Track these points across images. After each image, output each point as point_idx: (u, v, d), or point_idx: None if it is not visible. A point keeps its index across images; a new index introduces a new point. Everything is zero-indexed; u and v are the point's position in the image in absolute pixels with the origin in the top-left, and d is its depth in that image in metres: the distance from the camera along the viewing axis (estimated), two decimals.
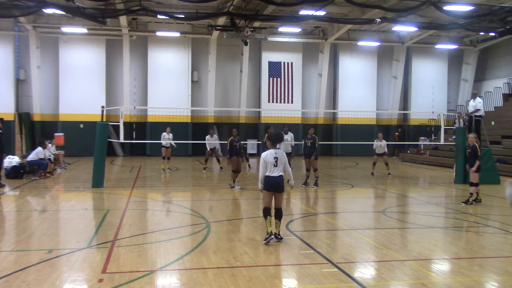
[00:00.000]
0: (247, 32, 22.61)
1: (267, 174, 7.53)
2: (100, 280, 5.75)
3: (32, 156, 16.56)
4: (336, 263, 6.56)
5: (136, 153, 27.96)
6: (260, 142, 27.08)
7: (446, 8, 20.41)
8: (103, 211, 10.74)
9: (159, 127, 26.02)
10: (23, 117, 26.39)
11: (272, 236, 7.60)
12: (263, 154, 7.60)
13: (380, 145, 18.34)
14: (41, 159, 16.53)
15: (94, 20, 22.78)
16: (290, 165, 15.17)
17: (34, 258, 6.62)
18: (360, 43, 28.96)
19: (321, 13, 22.94)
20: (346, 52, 30.26)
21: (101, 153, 14.56)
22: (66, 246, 7.44)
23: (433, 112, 24.79)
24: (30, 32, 25.83)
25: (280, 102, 29.09)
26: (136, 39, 27.49)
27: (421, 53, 31.13)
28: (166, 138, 19.24)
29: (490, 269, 6.56)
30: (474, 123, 16.75)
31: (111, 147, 26.76)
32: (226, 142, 15.13)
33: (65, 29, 25.45)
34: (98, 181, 14.29)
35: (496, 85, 29.14)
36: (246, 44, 24.74)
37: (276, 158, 7.52)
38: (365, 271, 6.36)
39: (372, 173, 18.47)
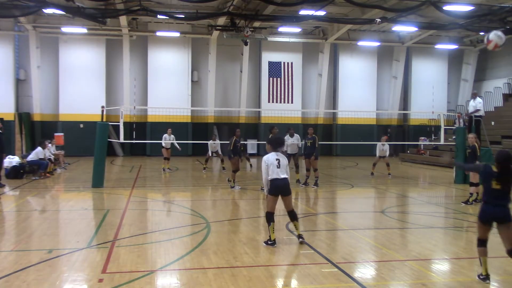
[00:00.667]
0: (247, 32, 22.61)
1: (273, 177, 7.33)
2: (100, 280, 5.76)
3: (32, 156, 16.56)
4: (336, 263, 6.56)
5: (136, 153, 27.95)
6: (259, 142, 27.13)
7: (446, 8, 20.41)
8: (103, 211, 10.75)
9: (159, 127, 26.00)
10: (23, 117, 26.38)
11: (275, 244, 7.37)
12: (265, 157, 7.48)
13: (383, 148, 18.32)
14: (41, 159, 16.53)
15: (94, 20, 22.77)
16: (298, 166, 15.28)
17: (34, 258, 6.62)
18: (360, 43, 28.95)
19: (321, 13, 22.93)
20: (346, 52, 30.25)
21: (101, 153, 14.56)
22: (66, 246, 7.44)
23: (433, 112, 24.78)
24: (30, 32, 25.82)
25: (280, 102, 29.08)
26: (136, 39, 27.48)
27: (421, 53, 31.12)
28: (168, 140, 19.12)
29: (490, 269, 6.55)
30: (474, 123, 16.75)
31: (111, 147, 26.75)
32: (227, 142, 15.11)
33: (65, 29, 25.44)
34: (98, 181, 14.29)
35: (496, 85, 29.13)
36: (246, 44, 24.74)
37: (278, 159, 7.42)
38: (365, 271, 6.37)
39: (372, 173, 18.47)
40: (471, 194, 11.67)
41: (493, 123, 23.81)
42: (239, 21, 23.15)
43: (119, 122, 15.91)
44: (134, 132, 27.36)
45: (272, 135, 8.32)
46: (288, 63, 29.40)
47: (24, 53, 26.81)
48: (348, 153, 29.02)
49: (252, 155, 28.36)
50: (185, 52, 28.26)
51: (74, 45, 27.01)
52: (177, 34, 26.74)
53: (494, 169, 5.78)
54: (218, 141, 19.52)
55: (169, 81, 27.90)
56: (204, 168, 19.19)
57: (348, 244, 7.87)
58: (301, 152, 15.68)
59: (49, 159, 17.21)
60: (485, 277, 5.88)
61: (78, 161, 23.31)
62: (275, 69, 29.29)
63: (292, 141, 15.18)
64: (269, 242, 7.43)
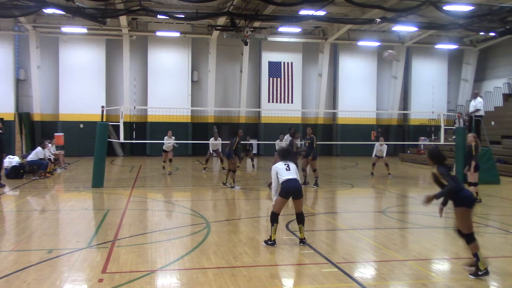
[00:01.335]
0: (247, 32, 22.60)
1: (283, 179, 7.31)
2: (100, 280, 5.76)
3: (32, 156, 16.56)
4: (336, 263, 6.56)
5: (136, 153, 27.97)
6: (259, 142, 27.13)
7: (446, 8, 20.42)
8: (103, 211, 10.75)
9: (159, 127, 26.06)
10: (23, 117, 26.38)
11: (275, 245, 7.38)
12: (273, 166, 7.55)
13: (380, 149, 18.32)
14: (41, 159, 16.53)
15: (94, 20, 22.78)
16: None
17: (34, 258, 6.62)
18: (360, 43, 28.95)
19: (321, 13, 22.95)
20: (346, 52, 30.25)
21: (101, 153, 14.56)
22: (66, 246, 7.44)
23: (433, 112, 24.79)
24: (30, 32, 25.83)
25: (280, 102, 29.09)
26: (136, 39, 27.49)
27: (421, 53, 31.12)
28: (168, 142, 18.29)
29: (490, 269, 6.55)
30: (474, 123, 16.74)
31: (111, 147, 26.76)
32: (227, 142, 15.10)
33: (65, 29, 25.44)
34: (98, 181, 14.28)
35: (496, 85, 29.13)
36: (246, 44, 24.73)
37: (287, 164, 7.48)
38: (365, 271, 6.37)
39: (372, 173, 18.47)
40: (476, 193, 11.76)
41: (493, 123, 23.80)
42: (239, 21, 23.15)
43: (119, 122, 15.91)
44: (134, 132, 27.38)
45: (283, 148, 8.12)
46: (288, 63, 29.40)
47: (24, 53, 26.82)
48: (348, 153, 29.04)
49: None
50: (185, 52, 28.26)
51: (74, 45, 27.01)
52: (177, 34, 26.74)
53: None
54: (220, 140, 19.30)
55: (169, 81, 27.91)
56: (204, 168, 19.18)
57: (348, 244, 7.87)
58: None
59: (49, 159, 17.21)
60: (485, 272, 5.94)
61: (78, 161, 23.31)
62: (275, 69, 29.30)
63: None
64: (269, 242, 7.43)
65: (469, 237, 6.07)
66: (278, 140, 18.23)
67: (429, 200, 6.29)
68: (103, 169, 14.58)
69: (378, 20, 21.62)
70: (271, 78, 29.29)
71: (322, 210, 11.57)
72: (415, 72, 31.44)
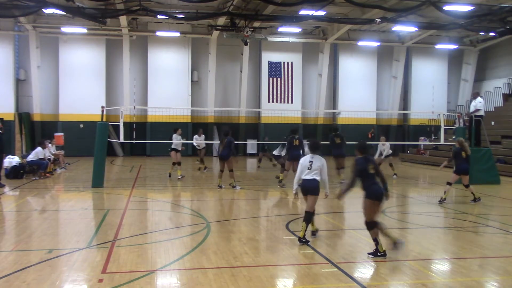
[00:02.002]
0: (247, 32, 22.59)
1: (303, 177, 7.80)
2: (100, 280, 5.76)
3: (31, 156, 16.55)
4: (336, 263, 6.56)
5: (136, 153, 27.97)
6: (259, 142, 27.13)
7: (446, 8, 20.41)
8: (103, 211, 10.75)
9: (159, 127, 26.06)
10: (23, 117, 26.38)
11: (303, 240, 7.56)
12: (301, 159, 8.06)
13: (384, 148, 18.28)
14: (41, 159, 16.53)
15: (94, 20, 22.77)
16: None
17: (34, 258, 6.62)
18: (360, 43, 28.95)
19: (321, 13, 22.93)
20: (346, 52, 30.25)
21: (101, 153, 14.56)
22: (66, 246, 7.44)
23: (433, 112, 24.79)
24: (30, 32, 25.82)
25: (280, 102, 29.08)
26: (136, 39, 27.49)
27: (421, 53, 31.12)
28: (178, 141, 17.11)
29: (490, 269, 6.56)
30: (474, 123, 16.74)
31: (111, 147, 26.75)
32: (215, 142, 14.99)
33: (65, 29, 25.43)
34: (98, 181, 14.29)
35: (496, 85, 29.13)
36: (246, 44, 24.72)
37: (311, 162, 7.82)
38: (365, 271, 6.37)
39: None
40: (472, 193, 11.92)
41: (493, 123, 23.81)
42: (239, 21, 23.14)
43: (119, 122, 15.91)
44: (134, 132, 27.38)
45: (313, 140, 8.55)
46: (288, 63, 29.39)
47: (24, 53, 26.81)
48: (348, 153, 28.88)
49: (252, 155, 28.41)
50: (185, 52, 28.25)
51: (74, 45, 27.01)
52: (177, 34, 26.74)
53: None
54: (203, 137, 18.94)
55: (169, 81, 27.90)
56: (205, 168, 19.17)
57: (348, 244, 7.87)
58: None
59: (49, 159, 17.21)
60: (383, 254, 6.83)
61: (78, 161, 23.31)
62: (275, 69, 29.29)
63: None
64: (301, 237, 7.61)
65: (368, 224, 6.94)
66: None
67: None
68: (103, 169, 14.58)
69: (378, 20, 21.61)
70: (271, 78, 29.29)
71: (322, 210, 11.56)
72: (415, 72, 31.43)
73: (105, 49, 27.55)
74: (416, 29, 25.64)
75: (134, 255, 6.85)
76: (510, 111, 25.37)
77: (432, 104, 30.39)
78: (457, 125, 20.93)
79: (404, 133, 31.23)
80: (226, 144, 14.01)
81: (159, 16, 23.64)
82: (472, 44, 30.43)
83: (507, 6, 20.94)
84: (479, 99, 17.13)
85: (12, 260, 6.59)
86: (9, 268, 6.20)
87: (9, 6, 21.28)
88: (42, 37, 26.66)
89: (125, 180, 16.59)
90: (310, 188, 7.76)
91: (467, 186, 12.04)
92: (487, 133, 18.10)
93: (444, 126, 18.23)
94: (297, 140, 14.38)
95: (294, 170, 14.51)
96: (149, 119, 27.23)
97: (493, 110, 27.35)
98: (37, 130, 26.70)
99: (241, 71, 28.58)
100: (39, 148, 16.77)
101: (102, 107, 15.43)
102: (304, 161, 7.92)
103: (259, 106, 29.37)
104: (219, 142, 14.35)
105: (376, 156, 18.59)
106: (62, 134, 24.09)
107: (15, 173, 16.00)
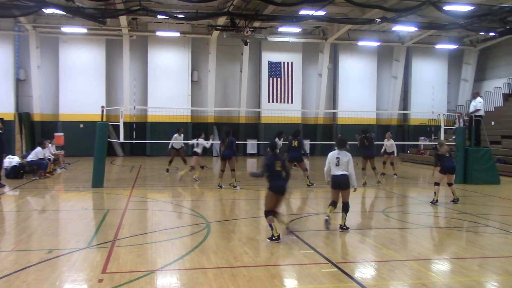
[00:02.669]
0: (247, 32, 22.60)
1: (332, 173, 8.49)
2: (100, 280, 5.76)
3: (31, 156, 16.55)
4: (336, 263, 6.56)
5: (136, 153, 27.96)
6: (260, 142, 27.16)
7: (446, 8, 20.41)
8: (103, 211, 10.75)
9: (159, 127, 26.05)
10: (23, 117, 26.38)
11: (329, 220, 8.49)
12: (329, 154, 8.69)
13: (387, 144, 18.31)
14: (41, 159, 16.52)
15: (94, 20, 22.77)
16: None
17: (34, 258, 6.63)
18: (360, 43, 28.95)
19: (321, 13, 22.93)
20: (346, 52, 30.25)
21: (101, 153, 14.56)
22: (66, 246, 7.44)
23: (433, 112, 24.78)
24: (30, 32, 25.82)
25: (280, 102, 29.08)
26: (136, 39, 27.48)
27: (421, 53, 31.12)
28: (179, 139, 17.62)
29: (490, 269, 6.56)
30: (474, 123, 16.73)
31: (111, 147, 26.75)
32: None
33: (65, 29, 25.43)
34: (98, 181, 14.29)
35: (496, 85, 29.13)
36: (246, 44, 24.73)
37: (338, 158, 8.45)
38: (365, 271, 6.37)
39: (383, 173, 18.16)
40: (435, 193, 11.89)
41: (493, 123, 23.81)
42: (239, 21, 23.14)
43: (119, 122, 15.91)
44: (134, 132, 27.38)
45: (340, 136, 9.29)
46: (288, 63, 29.39)
47: (24, 53, 26.81)
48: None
49: (252, 155, 28.43)
50: (185, 52, 28.25)
51: (74, 45, 27.01)
52: (177, 34, 26.74)
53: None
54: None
55: (169, 81, 27.90)
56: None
57: (348, 244, 7.87)
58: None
59: (49, 159, 17.20)
60: (278, 238, 7.68)
61: (78, 161, 23.31)
62: (275, 69, 29.29)
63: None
64: (326, 222, 8.52)
65: (265, 212, 7.89)
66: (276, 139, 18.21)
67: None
68: (103, 169, 14.58)
69: (378, 20, 21.61)
70: (271, 78, 29.29)
71: (322, 210, 11.56)
72: (415, 72, 31.43)
73: (105, 49, 27.55)
74: (416, 29, 25.64)
75: (134, 255, 6.85)
76: (510, 111, 25.37)
77: (432, 104, 30.38)
78: (457, 125, 20.90)
79: (404, 133, 31.23)
80: (228, 144, 14.03)
81: (159, 16, 23.63)
82: (472, 44, 30.44)
83: (507, 6, 20.94)
84: (478, 99, 17.11)
85: (12, 260, 6.59)
86: (9, 268, 6.20)
87: (9, 6, 21.27)
88: (42, 37, 26.66)
89: (125, 180, 16.59)
90: (342, 183, 8.42)
91: (450, 185, 11.92)
92: (487, 133, 18.10)
93: (444, 126, 18.22)
94: (296, 142, 14.67)
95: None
96: (149, 119, 27.23)
97: (493, 110, 27.35)
98: (37, 130, 26.69)
99: (241, 71, 28.58)
100: (38, 148, 16.77)
101: (102, 107, 15.43)
102: (331, 157, 8.54)
103: (259, 106, 29.37)
104: (220, 142, 14.33)
105: (382, 152, 18.65)
106: (62, 134, 24.09)
107: (15, 173, 16.00)
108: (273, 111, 26.58)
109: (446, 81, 31.78)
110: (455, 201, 11.87)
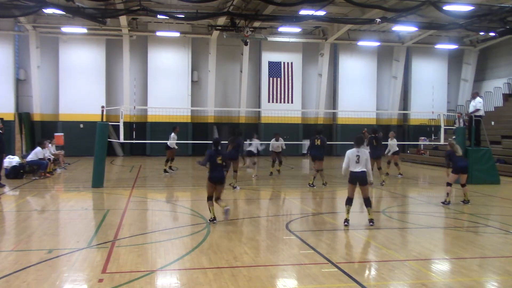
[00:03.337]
0: (247, 32, 22.59)
1: (351, 169, 8.95)
2: (100, 280, 5.76)
3: (31, 156, 16.55)
4: (336, 263, 6.56)
5: (136, 153, 27.96)
6: (260, 142, 27.10)
7: (446, 8, 20.40)
8: (103, 211, 10.75)
9: (159, 127, 26.03)
10: (23, 117, 26.38)
11: (348, 224, 8.96)
12: (348, 152, 9.10)
13: (391, 144, 18.28)
14: (40, 159, 16.52)
15: (94, 20, 22.77)
16: (281, 162, 17.11)
17: (34, 258, 6.63)
18: (360, 43, 28.95)
19: (321, 13, 22.93)
20: (346, 52, 30.25)
21: (101, 153, 14.56)
22: (66, 246, 7.44)
23: (433, 112, 24.78)
24: (30, 32, 25.82)
25: (280, 102, 29.08)
26: (136, 39, 27.48)
27: (421, 53, 31.12)
28: (175, 138, 17.81)
29: (490, 269, 6.56)
30: (474, 123, 16.73)
31: (111, 147, 26.75)
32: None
33: (65, 29, 25.43)
34: (98, 181, 14.28)
35: (496, 85, 29.13)
36: (246, 44, 24.73)
37: (358, 156, 8.92)
38: (365, 271, 6.37)
39: (387, 173, 18.07)
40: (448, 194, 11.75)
41: (493, 123, 23.81)
42: (239, 21, 23.14)
43: (119, 122, 15.90)
44: (134, 132, 27.38)
45: (358, 135, 9.53)
46: (288, 63, 29.39)
47: (24, 53, 26.81)
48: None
49: (252, 155, 28.34)
50: (185, 52, 28.25)
51: (74, 45, 27.01)
52: (177, 34, 26.74)
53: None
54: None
55: (169, 81, 27.90)
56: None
57: (348, 244, 7.88)
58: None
59: (49, 159, 17.20)
60: (213, 219, 9.10)
61: (78, 161, 23.31)
62: (275, 69, 29.29)
63: (277, 144, 18.02)
64: (345, 223, 9.00)
65: (207, 198, 9.26)
66: (274, 140, 18.21)
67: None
68: (103, 169, 14.58)
69: (378, 20, 21.60)
70: (271, 78, 29.29)
71: (322, 210, 11.57)
72: (415, 72, 31.43)
73: (105, 49, 27.54)
74: (416, 29, 25.64)
75: (134, 255, 6.85)
76: (510, 111, 25.36)
77: (432, 104, 30.38)
78: (457, 125, 20.90)
79: (404, 133, 31.22)
80: (236, 145, 13.99)
81: (159, 16, 23.63)
82: (472, 44, 30.44)
83: (507, 6, 20.94)
84: (478, 99, 17.11)
85: (12, 260, 6.59)
86: (9, 268, 6.20)
87: (9, 6, 21.27)
88: (42, 37, 26.66)
89: (125, 180, 16.59)
90: (361, 179, 8.94)
91: (463, 186, 11.81)
92: (487, 133, 18.11)
93: (444, 126, 18.22)
94: (319, 140, 15.54)
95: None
96: (149, 119, 27.23)
97: (493, 110, 27.35)
98: (37, 130, 26.69)
99: (241, 71, 28.58)
100: (38, 148, 16.77)
101: (102, 107, 15.43)
102: (351, 154, 8.99)
103: (259, 106, 29.37)
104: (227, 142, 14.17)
105: (386, 152, 18.63)
106: (62, 134, 24.08)
107: (15, 173, 16.00)
108: (273, 111, 26.57)
109: (446, 81, 31.78)
110: (465, 202, 11.71)
